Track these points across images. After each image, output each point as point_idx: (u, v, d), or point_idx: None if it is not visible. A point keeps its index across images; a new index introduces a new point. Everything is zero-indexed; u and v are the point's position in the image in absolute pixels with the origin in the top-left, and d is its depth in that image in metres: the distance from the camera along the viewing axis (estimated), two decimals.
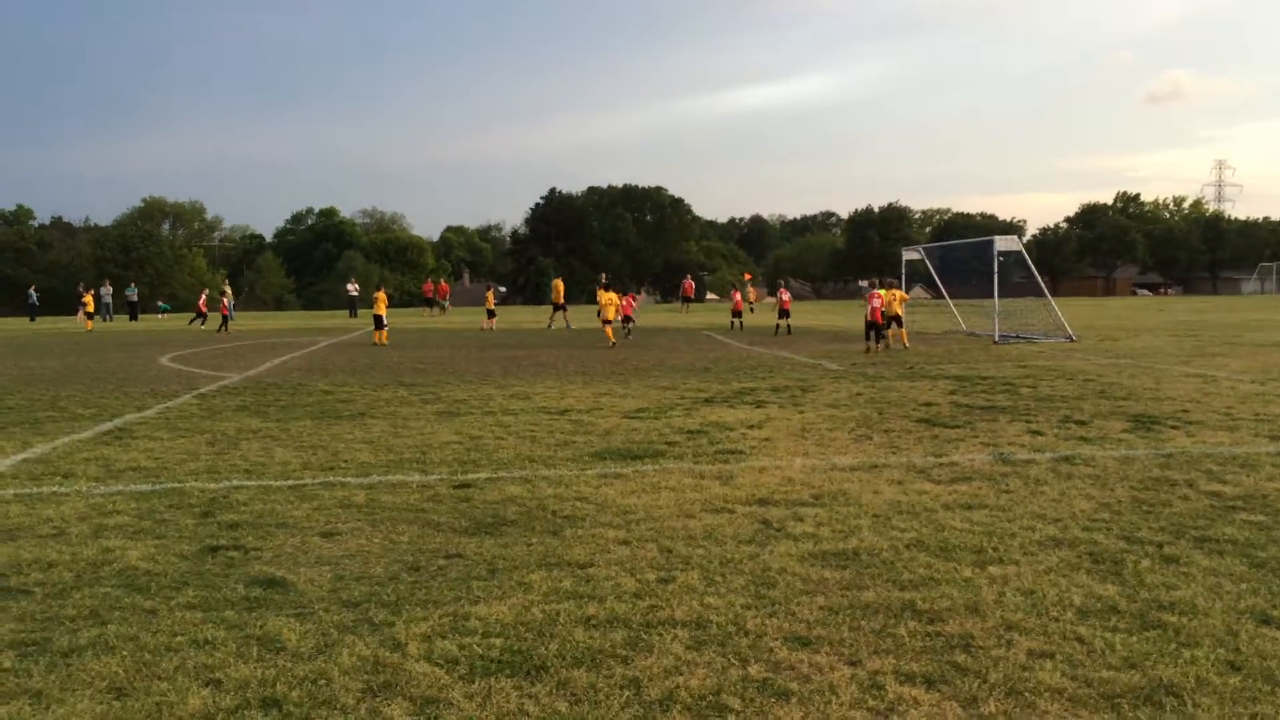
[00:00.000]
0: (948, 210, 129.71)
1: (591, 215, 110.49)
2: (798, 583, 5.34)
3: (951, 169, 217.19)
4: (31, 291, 54.23)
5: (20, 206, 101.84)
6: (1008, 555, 5.81)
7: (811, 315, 45.28)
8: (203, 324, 38.96)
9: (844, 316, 41.34)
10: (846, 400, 13.21)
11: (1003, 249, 26.22)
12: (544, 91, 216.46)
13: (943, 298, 33.65)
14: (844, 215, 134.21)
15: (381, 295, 28.49)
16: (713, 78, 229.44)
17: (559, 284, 37.05)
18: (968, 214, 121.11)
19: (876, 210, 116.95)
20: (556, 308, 36.12)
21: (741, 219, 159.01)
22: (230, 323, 38.28)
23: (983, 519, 6.67)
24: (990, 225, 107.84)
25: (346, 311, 52.68)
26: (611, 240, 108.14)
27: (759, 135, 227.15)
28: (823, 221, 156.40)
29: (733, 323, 33.51)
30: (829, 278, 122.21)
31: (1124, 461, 8.63)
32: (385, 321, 27.77)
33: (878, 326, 22.27)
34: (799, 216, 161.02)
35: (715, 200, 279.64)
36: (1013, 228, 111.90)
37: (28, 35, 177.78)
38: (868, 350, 21.82)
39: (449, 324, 39.40)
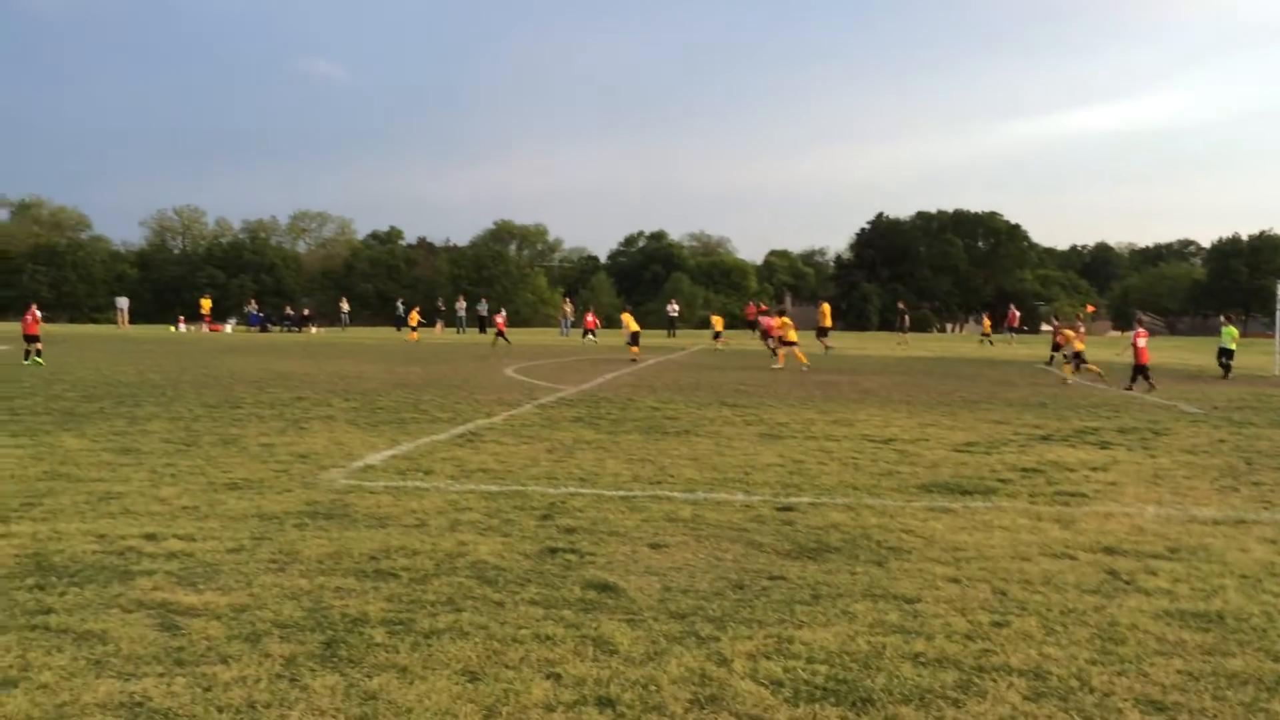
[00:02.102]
0: None
1: (919, 240, 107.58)
2: (1151, 641, 4.89)
3: None
4: (399, 304, 60.36)
5: (392, 228, 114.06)
6: None
7: (1165, 352, 41.57)
8: (594, 339, 42.46)
9: (1201, 354, 37.61)
10: (1207, 447, 11.98)
11: None
12: (872, 114, 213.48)
13: None
14: (1205, 244, 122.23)
15: (627, 317, 31.46)
16: (1053, 97, 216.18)
17: (826, 308, 39.17)
18: None
19: (1245, 239, 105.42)
20: (822, 332, 37.20)
21: (1084, 246, 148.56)
22: (579, 334, 41.73)
23: None
24: None
25: (665, 331, 54.59)
26: (940, 266, 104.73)
27: (1106, 157, 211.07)
28: (1179, 250, 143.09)
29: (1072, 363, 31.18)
30: (1185, 312, 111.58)
31: None
32: (639, 338, 30.33)
33: (1145, 368, 20.81)
34: (1151, 245, 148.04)
35: (1054, 226, 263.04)
36: None
37: (392, 80, 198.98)
38: (1129, 389, 20.55)
39: (763, 348, 39.70)
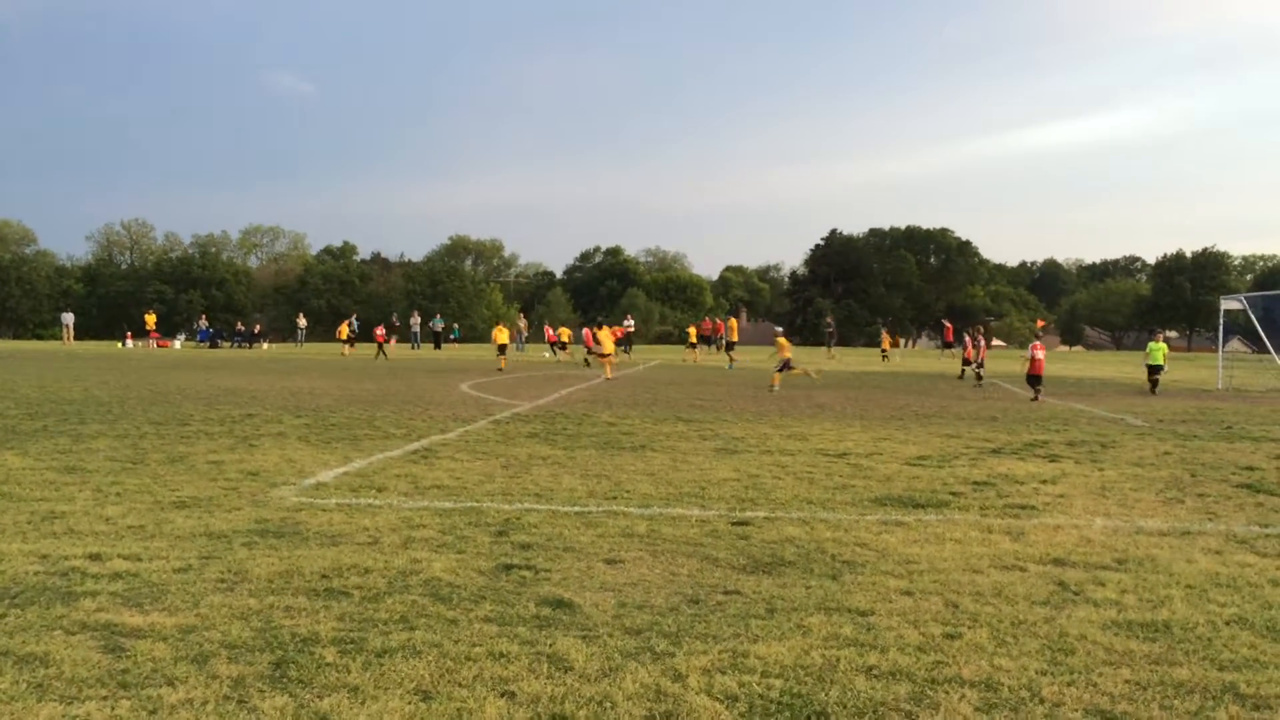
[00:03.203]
0: (1273, 256, 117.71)
1: (872, 257, 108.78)
2: (1099, 652, 4.96)
3: None
4: (353, 320, 59.78)
5: (346, 243, 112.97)
6: None
7: (1111, 367, 42.36)
8: (561, 353, 42.09)
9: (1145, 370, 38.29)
10: (1153, 459, 12.20)
11: None
12: (827, 133, 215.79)
13: (1267, 352, 30.51)
14: (1151, 260, 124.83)
15: (498, 330, 34.70)
16: (1004, 117, 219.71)
17: (734, 323, 41.47)
18: None
19: (1189, 255, 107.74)
20: (729, 346, 38.97)
21: (1034, 262, 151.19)
22: (541, 350, 41.88)
23: None
24: None
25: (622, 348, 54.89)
26: (892, 283, 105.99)
27: (1056, 174, 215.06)
28: (1126, 267, 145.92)
29: (972, 371, 29.69)
30: (1131, 327, 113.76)
31: None
32: (504, 350, 33.32)
33: (1037, 378, 21.70)
34: (1098, 261, 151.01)
35: (1005, 242, 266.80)
36: None
37: (347, 98, 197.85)
38: (1035, 399, 21.33)
39: (724, 361, 39.85)
